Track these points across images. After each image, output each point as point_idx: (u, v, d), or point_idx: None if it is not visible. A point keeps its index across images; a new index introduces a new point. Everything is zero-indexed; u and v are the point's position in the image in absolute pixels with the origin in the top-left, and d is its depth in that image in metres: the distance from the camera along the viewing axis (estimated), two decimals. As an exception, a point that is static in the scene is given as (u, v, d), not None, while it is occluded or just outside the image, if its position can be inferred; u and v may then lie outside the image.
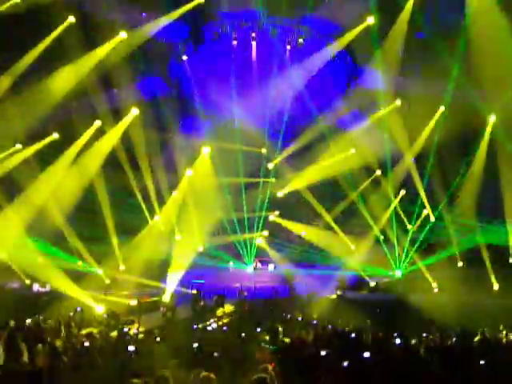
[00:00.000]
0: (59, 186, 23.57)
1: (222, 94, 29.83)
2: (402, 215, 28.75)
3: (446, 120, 25.88)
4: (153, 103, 27.88)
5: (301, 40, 31.25)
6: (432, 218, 28.00)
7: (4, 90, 21.60)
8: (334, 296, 24.91)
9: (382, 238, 28.93)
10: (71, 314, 18.38)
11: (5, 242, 21.88)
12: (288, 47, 30.89)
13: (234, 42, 31.57)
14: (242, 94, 29.92)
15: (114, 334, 14.73)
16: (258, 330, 14.40)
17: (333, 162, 28.17)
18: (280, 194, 30.37)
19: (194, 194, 26.83)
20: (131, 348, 10.78)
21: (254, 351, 9.68)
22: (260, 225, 31.21)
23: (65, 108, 24.20)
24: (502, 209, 24.91)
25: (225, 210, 29.45)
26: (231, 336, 14.41)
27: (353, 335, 13.21)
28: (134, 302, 22.04)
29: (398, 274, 27.78)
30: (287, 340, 11.87)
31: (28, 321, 15.67)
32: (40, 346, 9.32)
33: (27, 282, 23.82)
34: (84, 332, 15.00)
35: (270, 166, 30.58)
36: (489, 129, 25.17)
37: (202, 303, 23.00)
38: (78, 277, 22.47)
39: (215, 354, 10.21)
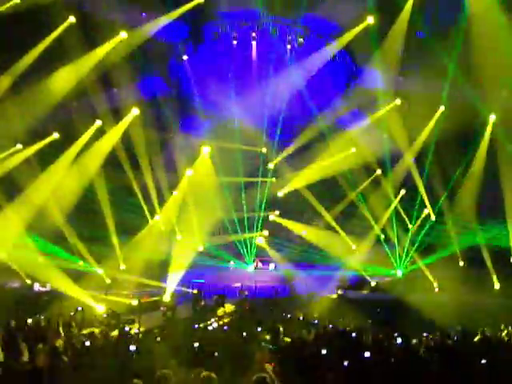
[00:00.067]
0: (59, 185, 23.57)
1: (221, 94, 29.83)
2: (403, 214, 28.76)
3: (446, 119, 25.87)
4: (153, 103, 27.86)
5: (301, 40, 31.25)
6: (432, 218, 28.01)
7: (4, 90, 21.60)
8: (335, 295, 24.92)
9: (382, 237, 28.94)
10: (72, 313, 18.40)
11: (5, 242, 21.88)
12: (288, 47, 30.89)
13: (234, 42, 31.56)
14: (241, 94, 29.92)
15: (115, 333, 14.74)
16: (259, 329, 14.41)
17: (333, 161, 28.16)
18: (280, 193, 30.36)
19: (195, 193, 26.83)
20: (132, 348, 10.78)
21: (254, 351, 9.68)
22: (260, 224, 31.20)
23: (65, 108, 24.20)
24: (503, 208, 24.91)
25: (225, 209, 29.43)
26: (232, 335, 14.40)
27: (353, 335, 13.22)
28: (134, 302, 22.08)
29: (399, 273, 27.79)
30: (288, 340, 11.88)
31: (29, 320, 15.68)
32: (40, 345, 9.33)
33: (28, 281, 23.82)
34: (85, 332, 15.02)
35: (270, 165, 30.56)
36: (489, 128, 25.17)
37: (202, 303, 23.02)
38: (78, 276, 22.49)
39: (216, 354, 10.20)
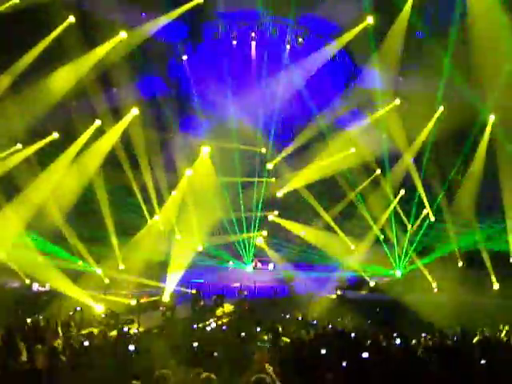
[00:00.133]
0: (59, 185, 23.55)
1: (221, 94, 29.83)
2: (402, 215, 28.77)
3: (445, 119, 25.89)
4: (152, 103, 27.87)
5: (300, 40, 31.26)
6: (432, 218, 28.02)
7: (4, 90, 21.59)
8: (334, 296, 24.93)
9: (381, 237, 28.94)
10: (71, 313, 18.41)
11: (4, 242, 21.87)
12: (287, 47, 30.87)
13: (234, 42, 31.58)
14: (241, 94, 29.90)
15: (114, 333, 14.74)
16: (258, 329, 14.41)
17: (332, 161, 28.15)
18: (279, 193, 30.37)
19: (194, 193, 26.82)
20: (131, 348, 10.78)
21: (253, 351, 9.68)
22: (259, 224, 31.19)
23: (64, 107, 24.19)
24: (502, 208, 24.92)
25: (224, 209, 29.42)
26: (231, 336, 14.41)
27: (352, 335, 13.22)
28: (133, 302, 22.10)
29: (398, 273, 27.79)
30: (287, 340, 11.89)
31: (28, 320, 15.68)
32: (39, 345, 9.32)
33: (27, 281, 23.81)
34: (84, 332, 15.01)
35: (270, 165, 30.55)
36: (488, 128, 25.19)
37: (201, 303, 23.02)
38: (77, 276, 22.48)
39: (215, 354, 10.21)
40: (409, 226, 28.67)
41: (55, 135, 24.62)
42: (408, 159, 27.82)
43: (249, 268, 30.91)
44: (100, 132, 24.83)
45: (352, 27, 25.34)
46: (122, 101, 25.62)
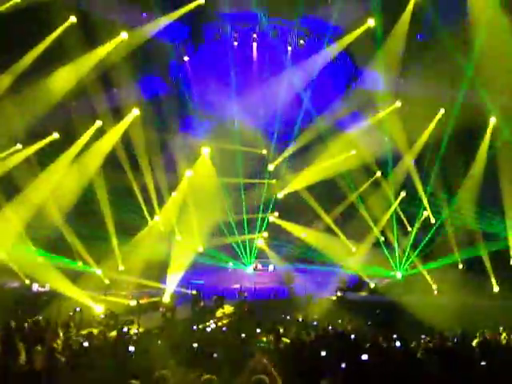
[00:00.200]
0: (59, 185, 23.56)
1: (222, 95, 29.80)
2: (403, 217, 28.78)
3: (447, 121, 25.89)
4: (153, 103, 27.83)
5: (301, 41, 31.24)
6: (432, 220, 28.01)
7: (4, 90, 21.58)
8: (334, 297, 24.89)
9: (382, 239, 28.93)
10: (70, 313, 18.39)
11: (4, 242, 21.86)
12: (289, 48, 30.87)
13: (235, 43, 31.55)
14: (242, 95, 29.89)
15: (114, 334, 14.72)
16: (258, 330, 14.39)
17: (332, 163, 28.16)
18: (280, 195, 30.38)
19: (194, 194, 26.80)
20: (131, 348, 10.76)
21: (253, 352, 9.66)
22: (260, 226, 31.18)
23: (65, 108, 24.18)
24: (502, 208, 24.94)
25: (225, 210, 29.41)
26: (231, 337, 14.39)
27: (352, 337, 13.20)
28: (133, 303, 22.07)
29: (399, 275, 27.76)
30: (287, 340, 11.87)
31: (28, 321, 15.64)
32: (38, 346, 9.29)
33: (27, 281, 23.79)
34: (83, 332, 14.98)
35: (270, 167, 30.55)
36: (489, 131, 25.19)
37: (201, 304, 23.00)
38: (77, 277, 22.46)
39: (215, 355, 10.19)
40: (409, 229, 28.70)
41: (55, 135, 24.62)
42: (409, 161, 27.83)
43: (249, 269, 30.89)
44: (100, 132, 24.84)
45: (353, 29, 25.37)
46: (123, 101, 25.63)
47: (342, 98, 31.32)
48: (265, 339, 12.56)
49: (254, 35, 31.29)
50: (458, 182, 26.75)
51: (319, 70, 28.83)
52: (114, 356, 10.81)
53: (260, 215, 31.10)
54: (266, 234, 30.92)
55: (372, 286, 26.43)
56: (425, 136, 27.18)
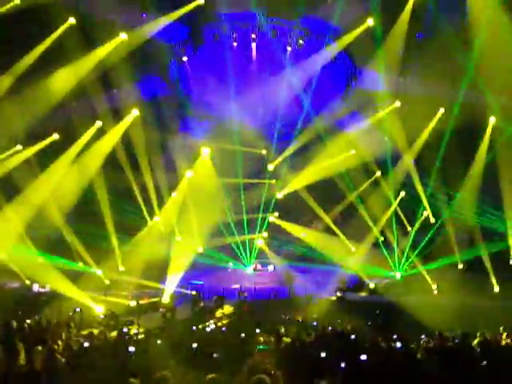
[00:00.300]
0: (59, 186, 23.57)
1: (221, 95, 29.80)
2: (402, 217, 28.78)
3: (447, 121, 25.89)
4: (152, 104, 27.84)
5: (301, 41, 31.24)
6: (432, 220, 28.01)
7: (4, 90, 21.60)
8: (334, 297, 24.89)
9: (381, 239, 28.93)
10: (70, 314, 18.40)
11: (4, 242, 21.87)
12: (288, 48, 30.87)
13: (234, 44, 31.55)
14: (241, 95, 29.88)
15: (114, 334, 14.72)
16: (258, 331, 14.39)
17: (332, 163, 28.17)
18: (279, 195, 30.40)
19: (194, 194, 26.81)
20: (131, 349, 10.76)
21: (253, 352, 9.67)
22: (260, 226, 31.19)
23: (65, 108, 24.20)
24: (502, 209, 24.96)
25: (224, 211, 29.43)
26: (230, 337, 14.39)
27: (352, 337, 13.20)
28: (133, 303, 22.08)
29: (398, 276, 27.77)
30: (287, 340, 11.88)
31: (27, 321, 15.65)
32: (38, 347, 9.30)
33: (27, 282, 23.79)
34: (84, 332, 15.00)
35: (270, 167, 30.56)
36: (489, 130, 25.20)
37: (201, 304, 23.00)
38: (77, 277, 22.47)
39: (215, 355, 10.19)
40: (409, 229, 28.70)
41: (55, 136, 24.63)
42: (408, 161, 27.82)
43: (249, 270, 30.89)
44: (100, 133, 24.85)
45: (352, 29, 25.39)
46: (123, 102, 25.67)
47: (341, 97, 31.39)
48: (262, 339, 12.58)
49: (254, 35, 31.29)
50: (457, 182, 26.74)
51: (319, 69, 28.84)
52: (115, 356, 10.82)
53: (260, 215, 31.10)
54: (265, 234, 30.92)
55: (372, 286, 26.42)
56: (424, 135, 27.18)
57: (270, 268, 30.80)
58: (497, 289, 24.65)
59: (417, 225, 28.35)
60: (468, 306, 20.69)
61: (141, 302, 22.89)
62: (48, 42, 22.17)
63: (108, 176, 25.46)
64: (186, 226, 27.10)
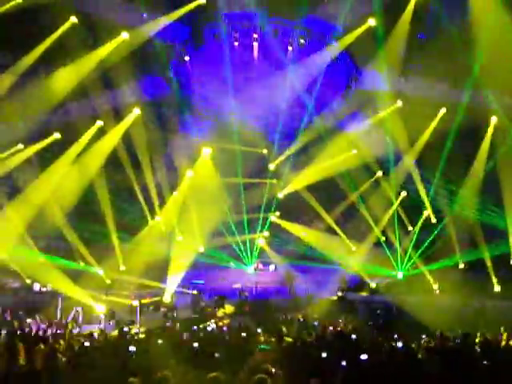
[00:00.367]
0: (60, 185, 23.57)
1: (222, 95, 29.79)
2: (403, 216, 28.78)
3: (448, 121, 25.89)
4: (154, 103, 27.86)
5: (302, 41, 31.20)
6: (433, 220, 28.00)
7: (6, 90, 21.60)
8: (335, 297, 24.90)
9: (383, 239, 28.92)
10: (71, 313, 18.41)
11: (5, 242, 21.87)
12: (289, 48, 30.83)
13: (236, 43, 31.52)
14: (242, 95, 29.87)
15: (115, 333, 14.74)
16: (259, 330, 14.39)
17: (333, 162, 28.16)
18: (280, 194, 30.40)
19: (195, 194, 26.81)
20: (132, 348, 10.76)
21: (254, 351, 9.66)
22: (261, 226, 31.17)
23: (66, 108, 24.21)
24: (503, 209, 24.95)
25: (225, 210, 29.41)
26: (231, 336, 14.39)
27: (353, 336, 13.20)
28: (134, 303, 22.09)
29: (400, 275, 27.75)
30: (289, 339, 11.87)
31: (28, 320, 15.69)
32: (39, 346, 9.30)
33: (28, 281, 23.81)
34: (85, 332, 15.01)
35: (271, 167, 30.56)
36: (490, 130, 25.19)
37: (202, 304, 23.01)
38: (78, 277, 22.48)
39: (216, 355, 10.19)
40: (410, 228, 28.70)
41: (56, 135, 24.62)
42: (409, 161, 27.82)
43: (250, 269, 30.88)
44: (101, 132, 24.85)
45: (354, 29, 25.37)
46: (124, 101, 25.65)
47: (342, 97, 31.34)
48: (262, 339, 12.58)
49: (255, 35, 31.23)
50: (459, 181, 26.74)
51: (320, 69, 28.83)
52: (115, 356, 10.82)
53: (261, 215, 31.08)
54: (266, 234, 30.91)
55: (373, 286, 26.42)
56: (426, 136, 27.16)
57: (271, 268, 30.78)
58: (497, 288, 24.64)
59: (418, 224, 28.34)
60: (469, 305, 20.70)
61: (142, 301, 22.91)
62: (49, 41, 22.16)
63: (109, 175, 25.49)
64: (187, 226, 27.10)
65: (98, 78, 23.68)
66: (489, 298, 23.03)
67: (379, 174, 29.14)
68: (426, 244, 27.53)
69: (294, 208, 31.36)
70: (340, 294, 25.03)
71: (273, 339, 12.17)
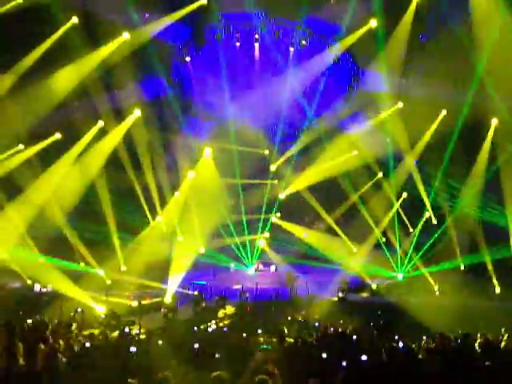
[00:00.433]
0: (61, 186, 23.58)
1: (224, 95, 29.80)
2: (404, 218, 28.77)
3: (449, 122, 25.88)
4: (155, 103, 27.85)
5: (303, 42, 31.20)
6: (434, 221, 27.99)
7: (7, 90, 21.62)
8: (336, 298, 24.87)
9: (383, 240, 28.91)
10: (72, 314, 18.39)
11: (6, 242, 21.87)
12: (291, 49, 30.84)
13: (237, 44, 31.55)
14: (244, 96, 29.88)
15: (115, 334, 14.72)
16: (259, 331, 14.38)
17: (334, 163, 28.18)
18: (281, 195, 30.41)
19: (196, 195, 26.82)
20: (132, 349, 10.75)
21: (254, 352, 9.66)
22: (262, 227, 31.17)
23: (67, 108, 24.21)
24: (503, 209, 24.96)
25: (227, 211, 29.41)
26: (232, 337, 14.38)
27: (354, 337, 13.18)
28: (135, 303, 22.07)
29: (400, 276, 27.74)
30: (291, 340, 11.86)
31: (28, 321, 15.65)
32: (39, 347, 9.28)
33: (28, 282, 23.79)
34: (85, 333, 14.99)
35: (273, 167, 30.56)
36: (491, 132, 25.20)
37: (203, 304, 22.99)
38: (79, 277, 22.47)
39: (217, 355, 10.18)
40: (411, 230, 28.69)
41: (57, 136, 24.64)
42: (410, 162, 27.82)
43: (251, 270, 30.87)
44: (102, 132, 24.86)
45: (355, 29, 25.38)
46: (125, 101, 25.65)
47: (344, 98, 31.34)
48: (262, 340, 12.57)
49: (256, 36, 31.25)
50: (460, 183, 26.74)
51: (321, 70, 28.85)
52: (116, 356, 10.81)
53: (262, 216, 31.08)
54: (267, 235, 30.91)
55: (373, 287, 26.40)
56: (427, 137, 27.19)
57: (272, 268, 30.79)
58: (498, 290, 24.64)
59: (419, 226, 28.33)
60: (470, 307, 20.68)
61: (143, 302, 22.88)
62: (50, 41, 22.21)
63: (110, 176, 25.47)
64: (188, 227, 27.11)
65: (99, 78, 23.69)
66: (489, 300, 23.03)
67: (380, 175, 29.16)
68: (427, 246, 27.51)
69: (294, 209, 31.37)
70: (341, 294, 24.98)
71: (274, 339, 12.16)
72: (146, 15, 25.64)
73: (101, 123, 24.77)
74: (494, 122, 24.97)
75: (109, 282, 24.42)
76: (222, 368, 7.10)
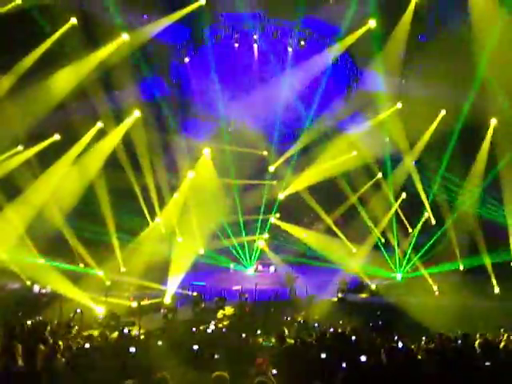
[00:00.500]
0: (59, 187, 23.58)
1: (223, 96, 29.81)
2: (403, 218, 28.79)
3: (448, 123, 25.90)
4: (154, 105, 27.86)
5: (302, 42, 31.21)
6: (433, 222, 28.01)
7: (5, 91, 21.61)
8: (335, 299, 24.86)
9: (382, 240, 28.93)
10: (71, 315, 18.38)
11: (5, 243, 21.86)
12: (290, 49, 30.85)
13: (236, 45, 31.55)
14: (243, 96, 29.90)
15: (115, 335, 14.71)
16: (259, 331, 14.38)
17: (333, 164, 28.19)
18: (281, 196, 30.41)
19: (196, 195, 26.83)
20: (132, 349, 10.75)
21: (253, 353, 9.66)
22: (262, 228, 31.18)
23: (66, 109, 24.20)
24: (503, 209, 24.98)
25: (226, 212, 29.41)
26: (232, 337, 14.38)
27: (353, 338, 13.18)
28: (134, 304, 22.05)
29: (399, 277, 27.75)
30: (291, 341, 11.87)
31: (28, 322, 15.64)
32: (38, 347, 9.28)
33: (28, 283, 23.78)
34: (84, 333, 14.99)
35: (272, 168, 30.57)
36: (490, 132, 25.21)
37: (202, 305, 22.98)
38: (78, 278, 22.45)
39: (216, 356, 10.18)
40: (410, 230, 28.71)
41: (56, 137, 24.65)
42: (409, 162, 27.85)
43: (250, 271, 30.87)
44: (101, 134, 24.86)
45: (354, 30, 25.39)
46: (124, 102, 25.65)
47: (343, 99, 31.34)
48: (261, 340, 12.58)
49: (255, 36, 31.26)
50: (460, 184, 26.76)
51: (320, 70, 28.86)
52: (115, 357, 10.81)
53: (261, 216, 31.09)
54: (266, 236, 30.92)
55: (373, 287, 26.39)
56: (426, 137, 27.21)
57: (271, 269, 30.79)
58: (497, 290, 24.65)
59: (418, 226, 28.35)
60: (469, 307, 20.68)
61: (142, 302, 22.86)
62: (49, 42, 22.21)
63: (109, 177, 25.43)
64: (188, 227, 27.11)
65: (98, 79, 23.69)
66: (489, 300, 23.03)
67: (379, 175, 29.18)
68: (426, 247, 27.52)
69: (294, 209, 31.38)
70: (340, 295, 24.98)
71: (273, 340, 12.17)
72: (145, 16, 25.65)
73: (100, 124, 24.78)
74: (493, 122, 24.99)
75: (108, 282, 24.40)
76: (221, 368, 7.10)
